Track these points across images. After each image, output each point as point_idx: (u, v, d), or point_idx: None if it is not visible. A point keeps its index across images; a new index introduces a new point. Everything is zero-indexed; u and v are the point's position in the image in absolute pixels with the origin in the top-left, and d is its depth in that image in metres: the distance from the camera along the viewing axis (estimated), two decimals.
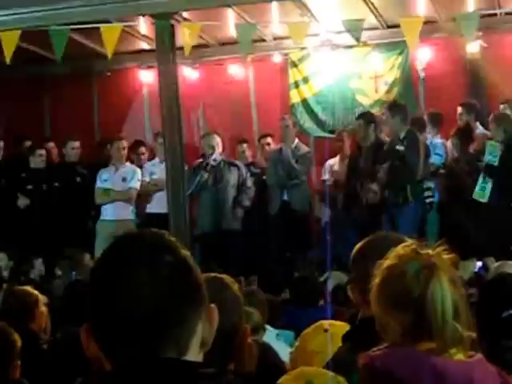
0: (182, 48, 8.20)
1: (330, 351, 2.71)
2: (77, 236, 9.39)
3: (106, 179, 9.66)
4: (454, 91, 9.99)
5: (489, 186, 8.43)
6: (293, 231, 9.23)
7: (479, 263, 7.50)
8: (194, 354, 1.48)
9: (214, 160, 9.38)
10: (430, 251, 2.11)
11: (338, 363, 2.44)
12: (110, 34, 7.88)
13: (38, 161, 9.98)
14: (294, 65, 10.80)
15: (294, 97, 10.86)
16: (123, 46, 9.60)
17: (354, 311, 2.80)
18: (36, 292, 4.88)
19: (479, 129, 9.35)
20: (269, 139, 10.20)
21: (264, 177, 9.84)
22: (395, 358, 2.00)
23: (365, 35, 8.99)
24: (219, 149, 9.54)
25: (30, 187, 9.83)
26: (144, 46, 10.49)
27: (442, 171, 9.06)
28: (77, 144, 10.14)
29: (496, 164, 8.44)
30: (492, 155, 8.48)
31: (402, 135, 8.63)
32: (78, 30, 8.38)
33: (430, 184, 8.86)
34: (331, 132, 10.55)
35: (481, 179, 8.47)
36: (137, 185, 9.70)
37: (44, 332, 4.81)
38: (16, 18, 7.97)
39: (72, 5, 7.89)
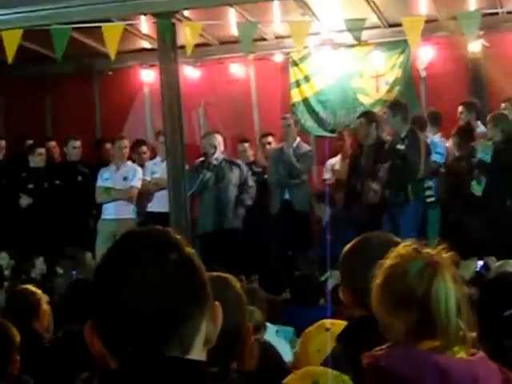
0: (183, 47, 8.20)
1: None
2: (78, 235, 9.40)
3: (107, 178, 9.66)
4: (456, 90, 9.99)
5: (483, 181, 8.52)
6: (294, 230, 9.23)
7: (480, 262, 7.50)
8: (198, 353, 1.48)
9: (216, 159, 9.38)
10: (430, 250, 2.12)
11: (332, 364, 2.44)
12: (112, 33, 7.87)
13: (37, 160, 9.98)
14: (295, 64, 10.80)
15: (295, 96, 10.86)
16: (125, 45, 9.59)
17: (351, 311, 2.81)
18: (39, 291, 4.89)
19: (480, 128, 9.35)
20: (270, 138, 10.20)
21: (265, 176, 9.85)
22: (399, 357, 2.00)
23: (366, 34, 8.99)
24: (221, 148, 9.54)
25: (31, 186, 9.83)
26: (145, 45, 10.50)
27: (442, 170, 9.07)
28: (78, 143, 10.14)
29: (488, 161, 8.50)
30: (484, 153, 8.54)
31: (403, 134, 8.63)
32: (80, 28, 8.38)
33: (431, 183, 8.87)
34: (332, 131, 10.56)
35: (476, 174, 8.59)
36: (138, 184, 9.71)
37: (47, 331, 4.82)
38: (17, 17, 7.98)
39: (73, 4, 7.90)
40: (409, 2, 9.21)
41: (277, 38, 10.34)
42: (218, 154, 9.44)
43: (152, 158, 10.25)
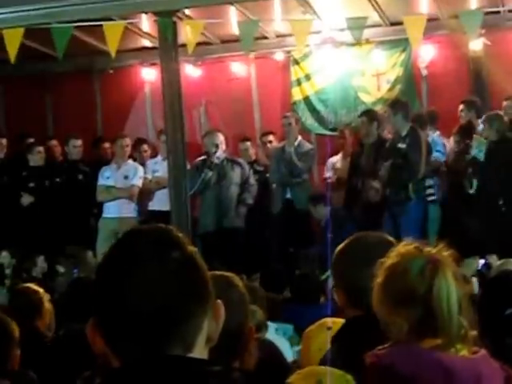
0: (184, 45, 8.19)
1: None
2: (79, 233, 9.40)
3: (108, 177, 9.66)
4: (457, 89, 9.98)
5: (474, 181, 8.56)
6: (296, 229, 9.22)
7: (482, 261, 7.50)
8: (200, 351, 1.48)
9: (218, 158, 9.36)
10: (431, 248, 2.12)
11: (329, 364, 2.44)
12: (113, 31, 7.86)
13: (36, 158, 9.98)
14: (296, 62, 10.79)
15: (296, 94, 10.85)
16: (125, 44, 9.58)
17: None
18: (41, 290, 4.89)
19: (480, 126, 9.34)
20: (271, 137, 10.20)
21: (267, 175, 9.84)
22: (401, 355, 2.00)
23: (367, 32, 8.97)
24: (223, 147, 9.52)
25: (32, 185, 9.83)
26: (146, 43, 10.49)
27: (443, 169, 9.07)
28: (79, 142, 10.14)
29: (482, 159, 8.51)
30: (478, 150, 8.57)
31: (404, 133, 8.63)
32: (81, 27, 8.37)
33: (432, 182, 8.86)
34: (333, 130, 10.55)
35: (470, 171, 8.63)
36: (139, 182, 9.71)
37: (49, 329, 4.83)
38: (19, 15, 7.97)
39: (74, 2, 7.89)
40: (410, 0, 9.21)
41: (278, 36, 10.33)
42: (220, 153, 9.41)
43: (153, 156, 10.25)
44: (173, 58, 8.01)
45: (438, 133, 9.45)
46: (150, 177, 9.81)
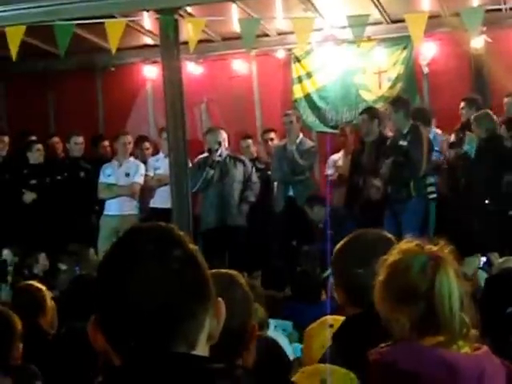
0: (185, 43, 8.19)
1: None
2: (80, 231, 9.39)
3: (109, 174, 9.67)
4: (458, 86, 9.98)
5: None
6: (298, 227, 9.21)
7: (483, 259, 7.50)
8: (202, 349, 1.48)
9: (220, 155, 9.33)
10: (432, 246, 2.12)
11: (329, 362, 2.44)
12: (115, 29, 7.87)
13: (35, 156, 9.97)
14: (298, 60, 10.79)
15: (297, 92, 10.85)
16: (127, 41, 9.59)
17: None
18: (44, 287, 4.90)
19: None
20: (272, 134, 10.19)
21: (268, 172, 9.83)
22: (404, 352, 2.01)
23: (369, 30, 8.96)
24: (225, 144, 9.50)
25: (33, 182, 9.84)
26: (148, 41, 10.49)
27: (445, 166, 9.07)
28: (80, 139, 10.14)
29: (472, 156, 8.54)
30: (470, 145, 8.61)
31: (406, 130, 8.62)
32: (82, 24, 8.38)
33: (433, 179, 8.86)
34: (334, 127, 10.54)
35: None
36: (140, 180, 9.71)
37: (51, 327, 4.84)
38: (20, 13, 7.98)
39: (76, 0, 7.89)
40: None
41: (279, 34, 10.33)
42: (222, 151, 9.39)
43: (154, 154, 10.25)
44: (174, 55, 8.01)
45: (434, 130, 9.43)
46: (151, 174, 9.81)
